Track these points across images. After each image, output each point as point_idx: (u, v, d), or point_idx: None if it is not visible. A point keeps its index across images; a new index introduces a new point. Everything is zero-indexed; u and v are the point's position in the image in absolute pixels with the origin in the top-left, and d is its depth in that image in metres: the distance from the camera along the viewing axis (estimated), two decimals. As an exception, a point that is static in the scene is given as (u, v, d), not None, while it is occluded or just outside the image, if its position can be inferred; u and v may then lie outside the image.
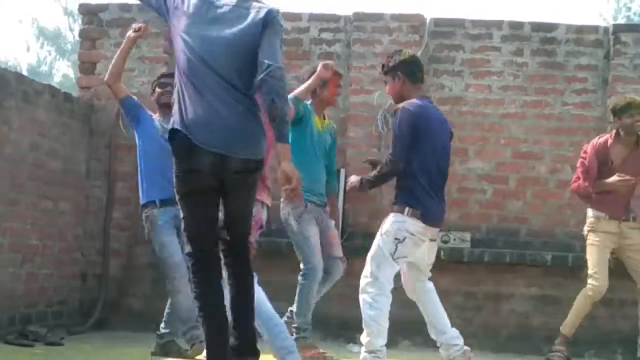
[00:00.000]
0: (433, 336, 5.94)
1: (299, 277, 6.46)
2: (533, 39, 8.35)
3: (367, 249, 7.75)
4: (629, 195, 7.11)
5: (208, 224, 4.58)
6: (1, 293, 6.85)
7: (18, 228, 7.00)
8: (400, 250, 5.62)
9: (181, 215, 4.59)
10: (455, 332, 5.85)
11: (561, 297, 7.65)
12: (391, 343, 5.99)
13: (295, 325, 6.40)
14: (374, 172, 5.76)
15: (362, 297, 5.67)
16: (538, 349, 7.64)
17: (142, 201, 6.47)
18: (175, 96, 4.61)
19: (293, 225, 6.51)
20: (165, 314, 6.44)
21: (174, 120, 4.49)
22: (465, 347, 5.83)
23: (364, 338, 5.64)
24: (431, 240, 5.80)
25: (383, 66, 6.05)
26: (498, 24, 8.41)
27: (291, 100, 5.53)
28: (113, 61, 6.58)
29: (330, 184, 6.85)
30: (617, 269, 7.24)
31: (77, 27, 29.60)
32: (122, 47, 6.56)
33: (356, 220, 8.10)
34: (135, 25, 6.58)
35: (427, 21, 8.40)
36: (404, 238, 5.60)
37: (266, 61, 4.41)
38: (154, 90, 6.66)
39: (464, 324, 7.04)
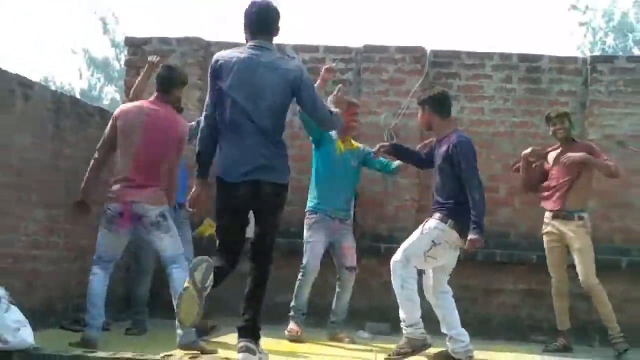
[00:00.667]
0: (445, 331, 6.09)
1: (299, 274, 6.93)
2: (520, 68, 8.49)
3: (375, 249, 8.02)
4: (561, 189, 7.20)
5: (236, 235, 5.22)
6: (58, 285, 7.06)
7: (71, 230, 7.17)
8: (434, 252, 5.89)
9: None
10: (465, 332, 6.04)
11: (545, 292, 7.70)
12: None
13: (293, 305, 6.90)
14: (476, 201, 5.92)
15: (395, 281, 5.91)
16: (525, 336, 7.83)
17: None
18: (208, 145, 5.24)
19: (305, 231, 6.95)
20: None
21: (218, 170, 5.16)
22: (470, 347, 6.00)
23: (402, 315, 5.87)
24: (459, 248, 6.08)
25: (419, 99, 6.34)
26: (490, 56, 8.56)
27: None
28: (136, 84, 7.07)
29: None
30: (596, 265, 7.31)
31: (123, 57, 29.83)
32: (142, 74, 7.15)
33: (365, 223, 8.26)
34: (153, 58, 7.07)
35: (428, 53, 8.55)
36: (440, 243, 5.88)
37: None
38: None
39: (459, 315, 7.14)
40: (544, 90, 8.44)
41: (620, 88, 8.23)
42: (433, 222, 5.95)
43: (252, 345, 5.04)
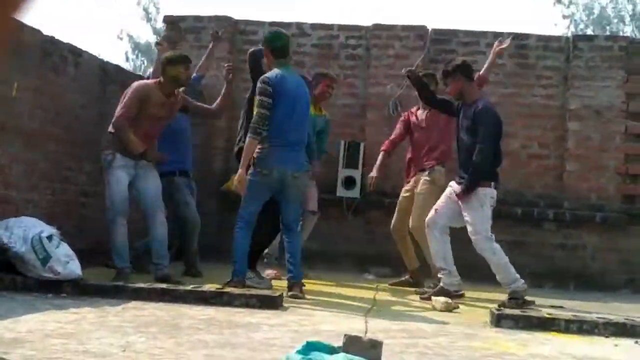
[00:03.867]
0: (442, 265, 6.11)
1: None
2: (510, 45, 8.39)
3: (380, 203, 7.98)
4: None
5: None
6: (103, 229, 6.94)
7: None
8: (487, 210, 5.89)
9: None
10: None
11: (527, 242, 7.73)
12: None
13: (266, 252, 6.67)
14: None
15: (485, 253, 5.98)
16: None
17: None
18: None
19: None
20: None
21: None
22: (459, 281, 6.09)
23: (500, 278, 5.94)
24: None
25: (445, 72, 6.03)
26: (484, 34, 8.46)
27: None
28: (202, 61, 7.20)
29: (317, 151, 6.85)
30: (573, 219, 7.28)
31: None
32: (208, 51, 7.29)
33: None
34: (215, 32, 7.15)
35: (429, 31, 8.46)
36: (486, 202, 5.88)
37: None
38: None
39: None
40: (531, 65, 8.34)
41: (597, 63, 8.13)
42: (481, 190, 5.84)
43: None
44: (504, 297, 6.46)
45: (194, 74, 6.90)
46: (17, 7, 0.47)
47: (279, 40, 5.73)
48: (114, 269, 5.85)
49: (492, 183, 5.89)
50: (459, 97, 6.00)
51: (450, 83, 5.98)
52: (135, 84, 5.92)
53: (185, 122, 6.61)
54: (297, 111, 5.62)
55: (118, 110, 5.75)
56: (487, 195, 5.87)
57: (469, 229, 5.86)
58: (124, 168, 5.75)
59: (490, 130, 5.84)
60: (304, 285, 5.76)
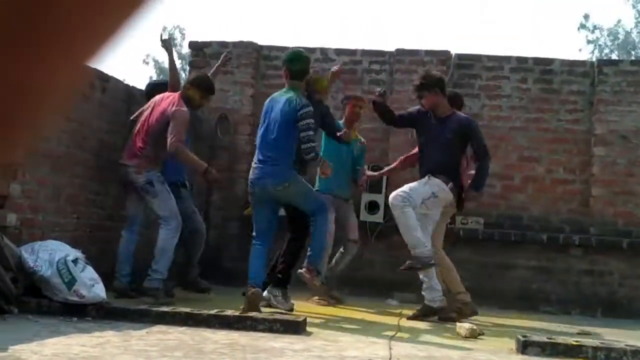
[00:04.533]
0: (425, 278, 6.04)
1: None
2: (535, 70, 8.37)
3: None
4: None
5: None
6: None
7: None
8: (430, 202, 6.02)
9: None
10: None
11: (553, 268, 7.65)
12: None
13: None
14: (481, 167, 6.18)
15: (395, 210, 6.02)
16: (535, 307, 7.66)
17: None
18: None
19: None
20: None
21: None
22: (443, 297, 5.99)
23: (406, 239, 5.97)
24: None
25: (422, 84, 6.16)
26: (507, 59, 8.45)
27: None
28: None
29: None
30: (599, 245, 7.21)
31: (187, 67, 30.00)
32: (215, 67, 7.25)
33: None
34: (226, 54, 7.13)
35: (453, 56, 8.46)
36: (438, 197, 6.01)
37: None
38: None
39: (478, 287, 7.06)
40: (556, 89, 8.30)
41: (623, 88, 8.08)
42: (438, 180, 5.99)
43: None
44: (530, 323, 6.40)
45: None
46: (90, 55, 0.47)
47: (297, 63, 5.85)
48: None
49: (452, 185, 6.01)
50: (433, 109, 6.18)
51: (427, 96, 6.17)
52: (182, 112, 6.04)
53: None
54: (270, 127, 5.81)
55: (171, 137, 5.93)
56: (443, 193, 6.00)
57: (402, 188, 5.98)
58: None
59: (481, 136, 6.20)
60: (319, 274, 5.85)
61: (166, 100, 6.17)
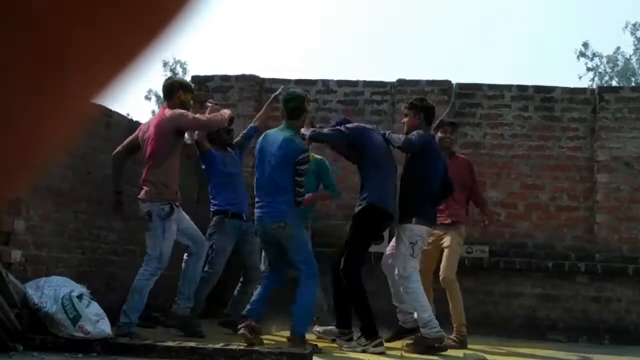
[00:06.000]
0: (395, 303, 6.13)
1: None
2: (536, 98, 8.40)
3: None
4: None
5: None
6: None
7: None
8: (416, 249, 5.95)
9: None
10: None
11: (559, 295, 7.61)
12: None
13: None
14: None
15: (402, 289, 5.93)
16: (542, 334, 7.60)
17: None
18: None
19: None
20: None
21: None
22: (415, 318, 5.88)
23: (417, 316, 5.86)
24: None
25: (412, 104, 6.18)
26: (508, 87, 8.48)
27: None
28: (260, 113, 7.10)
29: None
30: (605, 271, 7.17)
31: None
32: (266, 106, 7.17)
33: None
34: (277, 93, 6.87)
35: (454, 85, 8.50)
36: (416, 241, 5.93)
37: None
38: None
39: (484, 315, 7.05)
40: (557, 117, 8.32)
41: (624, 114, 8.11)
42: (402, 227, 5.93)
43: None
44: (538, 352, 6.35)
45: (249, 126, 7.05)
46: (96, 92, 0.47)
47: (292, 102, 5.85)
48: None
49: (415, 219, 5.91)
50: (409, 132, 6.08)
51: (410, 116, 6.12)
52: (180, 110, 6.07)
53: (238, 165, 6.87)
54: (266, 166, 5.76)
55: (192, 118, 6.08)
56: (415, 231, 5.94)
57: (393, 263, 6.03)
58: (175, 221, 5.92)
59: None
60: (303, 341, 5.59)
61: (156, 117, 6.21)
